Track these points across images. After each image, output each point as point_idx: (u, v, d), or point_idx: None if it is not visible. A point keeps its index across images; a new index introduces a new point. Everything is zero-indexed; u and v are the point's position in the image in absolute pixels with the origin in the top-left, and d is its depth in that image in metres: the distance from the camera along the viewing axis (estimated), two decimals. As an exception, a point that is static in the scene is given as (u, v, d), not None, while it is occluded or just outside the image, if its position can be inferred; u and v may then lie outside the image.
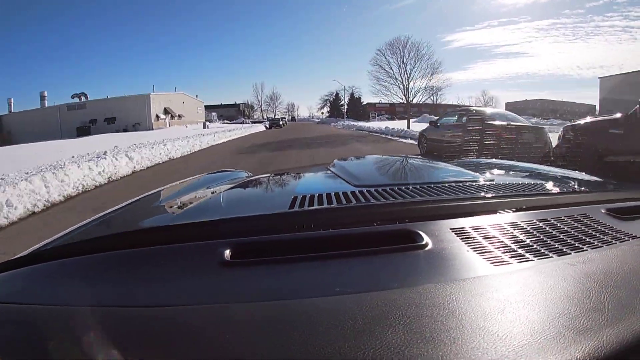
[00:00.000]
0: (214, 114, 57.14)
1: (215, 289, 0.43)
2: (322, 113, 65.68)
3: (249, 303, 0.39)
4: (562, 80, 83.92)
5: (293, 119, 68.49)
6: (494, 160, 1.97)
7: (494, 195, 0.76)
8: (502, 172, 1.32)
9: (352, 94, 60.11)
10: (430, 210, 0.64)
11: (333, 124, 39.23)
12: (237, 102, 69.42)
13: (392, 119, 42.13)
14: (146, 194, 1.13)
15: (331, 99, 63.85)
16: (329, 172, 1.17)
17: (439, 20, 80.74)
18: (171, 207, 0.92)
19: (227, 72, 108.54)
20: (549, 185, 1.00)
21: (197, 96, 52.23)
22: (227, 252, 0.49)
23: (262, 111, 68.49)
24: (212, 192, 1.01)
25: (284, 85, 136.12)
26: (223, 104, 70.05)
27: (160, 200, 1.08)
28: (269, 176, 1.32)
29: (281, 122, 38.71)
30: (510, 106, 45.10)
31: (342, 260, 0.48)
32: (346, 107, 56.68)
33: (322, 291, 0.41)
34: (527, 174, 1.28)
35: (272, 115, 60.23)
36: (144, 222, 0.91)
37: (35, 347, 0.35)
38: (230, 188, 1.07)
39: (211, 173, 1.49)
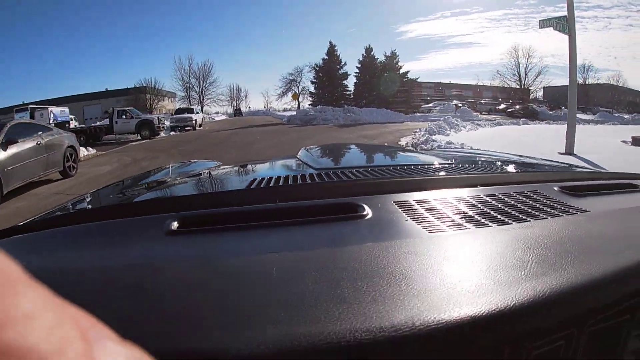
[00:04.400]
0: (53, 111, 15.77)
1: (161, 253, 0.49)
2: (298, 103, 37.99)
3: (186, 262, 0.44)
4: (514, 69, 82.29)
5: (238, 112, 43.21)
6: (476, 150, 2.26)
7: (442, 173, 0.85)
8: (472, 158, 1.46)
9: (368, 50, 33.58)
10: (375, 186, 0.70)
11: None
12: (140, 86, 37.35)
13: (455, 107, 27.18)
14: (123, 179, 1.41)
15: (314, 66, 35.44)
16: (295, 159, 1.26)
17: (393, 11, 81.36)
18: (139, 189, 1.10)
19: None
20: (507, 167, 1.12)
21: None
22: (175, 224, 0.54)
23: (189, 99, 41.32)
24: (179, 178, 1.17)
25: (229, 67, 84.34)
26: (110, 89, 38.13)
27: (131, 184, 1.24)
28: (237, 165, 1.45)
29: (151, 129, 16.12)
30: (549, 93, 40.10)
31: (283, 228, 0.53)
32: (355, 83, 34.20)
33: (259, 252, 0.45)
34: (496, 160, 1.40)
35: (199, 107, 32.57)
36: (111, 201, 1.01)
37: None
38: (197, 174, 1.24)
39: (183, 162, 1.72)
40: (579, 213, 0.60)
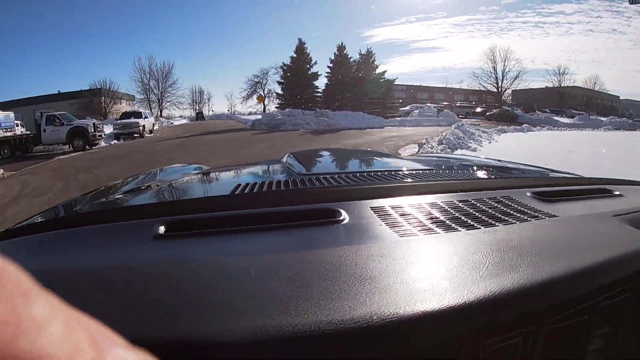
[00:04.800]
0: None
1: (148, 256, 0.51)
2: (264, 106, 35.41)
3: (170, 263, 0.47)
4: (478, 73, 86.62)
5: (200, 116, 38.43)
6: (456, 155, 2.54)
7: (417, 180, 0.89)
8: (452, 164, 1.49)
9: (340, 48, 30.44)
10: (353, 192, 0.72)
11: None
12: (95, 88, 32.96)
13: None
14: (112, 183, 1.44)
15: (281, 65, 31.93)
16: (280, 163, 1.30)
17: (359, 15, 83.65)
18: (127, 194, 1.11)
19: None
20: (481, 173, 1.20)
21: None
22: (162, 228, 0.56)
23: (149, 102, 38.09)
24: (167, 182, 1.18)
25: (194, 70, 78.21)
26: (63, 91, 33.50)
27: (119, 188, 1.25)
28: (223, 168, 1.53)
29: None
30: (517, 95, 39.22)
31: (264, 233, 0.56)
32: (326, 84, 30.91)
33: (239, 255, 0.49)
34: (474, 165, 1.45)
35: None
36: (100, 206, 1.02)
37: None
38: (184, 179, 1.24)
39: (171, 166, 1.70)
40: (547, 218, 0.61)
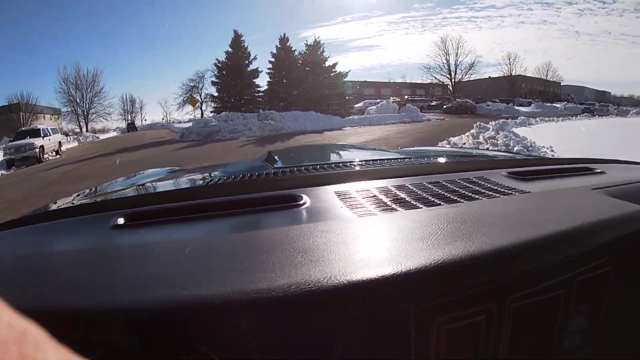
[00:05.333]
0: None
1: (103, 242, 0.53)
2: (201, 111, 31.02)
3: (121, 248, 0.50)
4: (414, 68, 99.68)
5: (132, 127, 34.02)
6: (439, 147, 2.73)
7: (388, 164, 0.87)
8: (432, 153, 1.45)
9: (283, 40, 26.43)
10: (318, 178, 0.72)
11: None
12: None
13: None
14: (89, 188, 1.48)
15: (215, 62, 27.21)
16: (260, 161, 1.30)
17: (296, 16, 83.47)
18: (99, 194, 1.19)
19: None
20: (459, 158, 1.19)
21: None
22: (121, 220, 0.57)
23: (76, 115, 33.93)
24: (144, 182, 1.20)
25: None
26: None
27: (103, 189, 1.29)
28: (202, 167, 1.53)
29: None
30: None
31: (217, 219, 0.56)
32: (269, 82, 26.74)
33: (187, 239, 0.50)
34: (456, 154, 1.45)
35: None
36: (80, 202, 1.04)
37: None
38: (157, 178, 1.30)
39: (153, 169, 1.69)
40: (517, 194, 0.59)
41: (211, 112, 27.27)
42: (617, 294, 0.44)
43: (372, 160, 1.07)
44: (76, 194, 1.24)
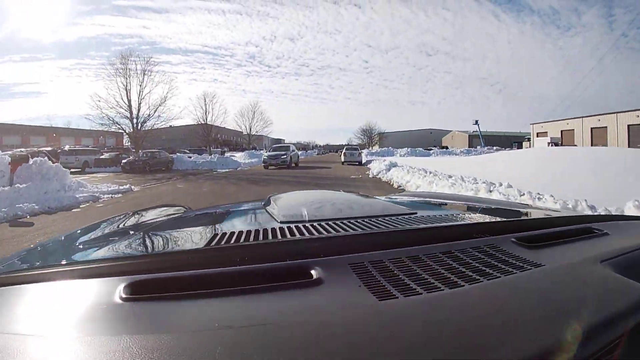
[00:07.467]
0: None
1: (110, 324, 0.47)
2: None
3: (139, 335, 0.44)
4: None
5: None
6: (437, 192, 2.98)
7: (399, 227, 0.83)
8: (431, 205, 1.45)
9: None
10: (330, 246, 0.68)
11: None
12: None
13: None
14: (85, 226, 1.25)
15: None
16: (260, 208, 1.24)
17: None
18: (95, 242, 1.04)
19: None
20: (464, 216, 1.13)
21: None
22: (127, 289, 0.53)
23: None
24: (142, 228, 1.14)
25: None
26: None
27: (89, 235, 1.14)
28: (201, 212, 1.44)
29: None
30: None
31: (229, 298, 0.52)
32: None
33: (203, 326, 0.45)
34: (453, 205, 1.45)
35: None
36: (64, 257, 0.94)
37: None
38: (158, 226, 1.18)
39: (147, 208, 1.61)
40: (532, 268, 0.60)
41: None
42: None
43: (380, 217, 0.99)
44: (71, 233, 1.18)
